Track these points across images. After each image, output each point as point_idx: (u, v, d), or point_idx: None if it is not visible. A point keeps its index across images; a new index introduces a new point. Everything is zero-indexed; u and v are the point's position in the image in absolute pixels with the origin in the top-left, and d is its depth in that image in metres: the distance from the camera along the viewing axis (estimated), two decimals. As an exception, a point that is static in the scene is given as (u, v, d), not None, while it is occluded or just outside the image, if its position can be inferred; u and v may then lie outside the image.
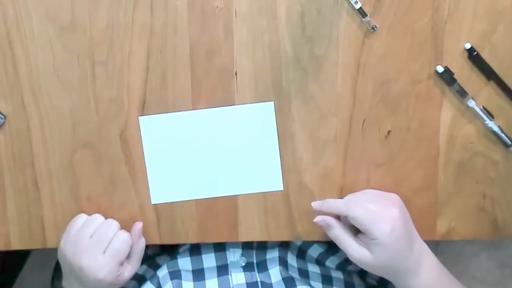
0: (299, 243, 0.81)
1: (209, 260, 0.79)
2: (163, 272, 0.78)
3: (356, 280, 0.82)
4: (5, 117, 0.74)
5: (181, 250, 0.80)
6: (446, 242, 1.03)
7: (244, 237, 0.77)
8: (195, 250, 0.80)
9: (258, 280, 0.77)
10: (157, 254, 0.82)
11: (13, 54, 0.73)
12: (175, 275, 0.77)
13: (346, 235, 0.72)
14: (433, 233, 0.78)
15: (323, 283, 0.79)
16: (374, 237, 0.69)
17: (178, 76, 0.74)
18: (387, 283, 0.81)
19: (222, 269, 0.78)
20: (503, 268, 1.10)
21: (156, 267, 0.80)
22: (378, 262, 0.70)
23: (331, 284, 0.79)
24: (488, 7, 0.72)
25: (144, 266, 0.80)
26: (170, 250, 0.81)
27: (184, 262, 0.79)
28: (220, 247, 0.79)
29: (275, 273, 0.78)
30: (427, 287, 0.73)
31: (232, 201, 0.77)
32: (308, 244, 0.82)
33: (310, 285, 0.78)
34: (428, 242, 0.75)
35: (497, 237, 0.79)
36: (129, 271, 0.74)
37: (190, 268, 0.78)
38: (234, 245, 0.79)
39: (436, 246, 1.02)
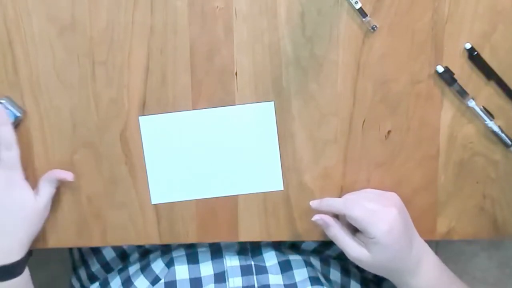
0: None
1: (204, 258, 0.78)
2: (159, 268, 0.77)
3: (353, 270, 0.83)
4: (24, 112, 0.73)
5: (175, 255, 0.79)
6: (446, 242, 1.03)
7: (244, 237, 0.77)
8: (192, 256, 0.79)
9: (252, 263, 0.77)
10: (154, 259, 0.80)
11: (13, 54, 0.73)
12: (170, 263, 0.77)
13: (345, 234, 0.72)
14: (433, 233, 0.78)
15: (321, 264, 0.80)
16: (372, 236, 0.69)
17: (178, 76, 0.74)
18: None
19: (216, 253, 0.78)
20: (503, 268, 1.10)
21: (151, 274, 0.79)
22: (376, 262, 0.70)
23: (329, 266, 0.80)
24: (488, 7, 0.72)
25: (141, 276, 0.79)
26: (167, 253, 0.80)
27: (179, 254, 0.78)
28: (216, 254, 0.79)
29: (269, 256, 0.78)
30: (428, 287, 0.73)
31: (232, 201, 0.77)
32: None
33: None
34: (428, 242, 0.75)
35: (497, 237, 0.79)
36: (43, 188, 0.72)
37: (185, 255, 0.78)
38: (230, 252, 0.79)
39: (436, 246, 1.02)
